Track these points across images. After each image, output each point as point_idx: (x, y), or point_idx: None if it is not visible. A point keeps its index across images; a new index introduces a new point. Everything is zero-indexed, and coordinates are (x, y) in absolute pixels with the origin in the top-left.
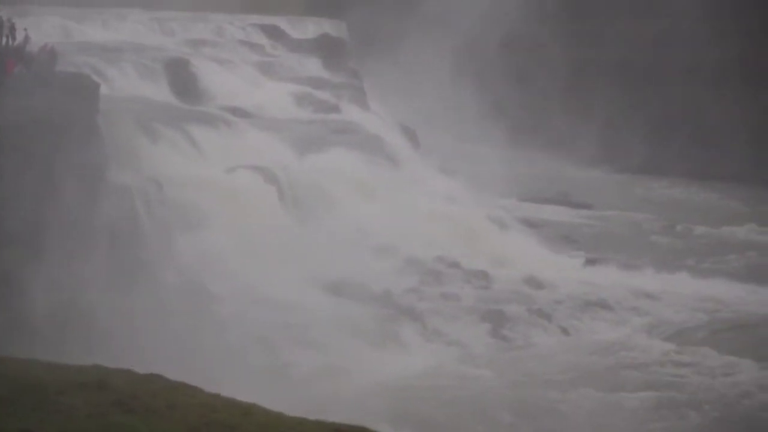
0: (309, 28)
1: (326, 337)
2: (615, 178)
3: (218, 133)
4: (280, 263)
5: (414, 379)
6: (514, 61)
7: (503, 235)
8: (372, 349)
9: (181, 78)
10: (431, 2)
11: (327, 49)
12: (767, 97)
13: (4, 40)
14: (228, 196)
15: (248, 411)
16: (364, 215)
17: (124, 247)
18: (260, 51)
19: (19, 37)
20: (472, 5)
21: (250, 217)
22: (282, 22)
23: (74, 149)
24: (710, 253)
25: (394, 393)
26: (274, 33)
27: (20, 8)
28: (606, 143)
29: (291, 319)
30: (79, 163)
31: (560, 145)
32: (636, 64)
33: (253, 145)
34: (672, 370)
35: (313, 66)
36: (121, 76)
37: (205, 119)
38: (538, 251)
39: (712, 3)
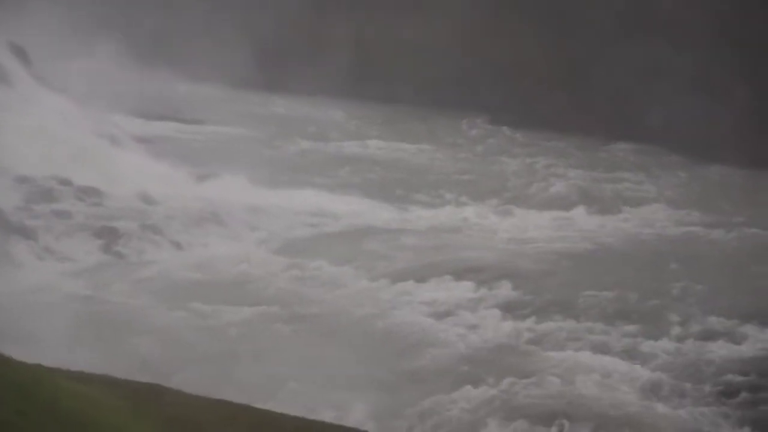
0: None
1: None
2: (227, 94)
3: None
4: None
5: (25, 295)
6: None
7: (115, 152)
8: None
9: None
10: None
11: None
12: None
13: None
14: None
15: None
16: None
17: None
18: None
19: None
20: None
21: None
22: None
23: None
24: (323, 168)
25: (3, 310)
26: None
27: None
28: (218, 59)
29: None
30: None
31: (173, 61)
32: None
33: None
34: (286, 285)
35: None
36: None
37: None
38: (150, 167)
39: None
